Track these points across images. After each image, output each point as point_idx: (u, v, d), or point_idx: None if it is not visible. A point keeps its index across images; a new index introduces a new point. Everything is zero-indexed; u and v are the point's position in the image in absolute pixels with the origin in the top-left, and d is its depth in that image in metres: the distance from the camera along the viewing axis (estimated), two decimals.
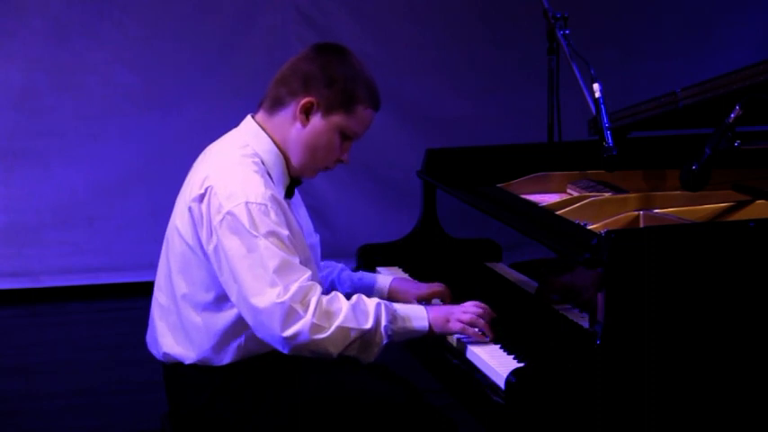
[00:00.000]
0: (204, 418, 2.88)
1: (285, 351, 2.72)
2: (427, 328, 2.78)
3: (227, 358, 2.84)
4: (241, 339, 2.83)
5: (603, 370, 2.48)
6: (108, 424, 4.49)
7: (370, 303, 2.75)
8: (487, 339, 2.76)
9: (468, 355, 2.74)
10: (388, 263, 3.48)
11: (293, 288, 2.68)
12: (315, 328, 2.68)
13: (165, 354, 2.91)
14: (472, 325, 2.78)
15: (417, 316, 2.79)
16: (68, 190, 6.20)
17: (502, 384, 2.49)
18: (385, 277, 3.21)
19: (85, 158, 6.18)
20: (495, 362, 2.64)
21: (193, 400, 2.89)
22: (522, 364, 2.56)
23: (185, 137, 6.00)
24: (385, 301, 2.78)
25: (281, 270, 2.69)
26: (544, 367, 2.49)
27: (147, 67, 6.18)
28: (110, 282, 6.27)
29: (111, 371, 5.05)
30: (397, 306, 2.80)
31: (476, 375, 2.67)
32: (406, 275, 3.34)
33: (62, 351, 5.39)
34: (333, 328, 2.69)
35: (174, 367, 2.92)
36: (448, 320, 2.79)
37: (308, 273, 2.73)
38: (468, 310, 2.80)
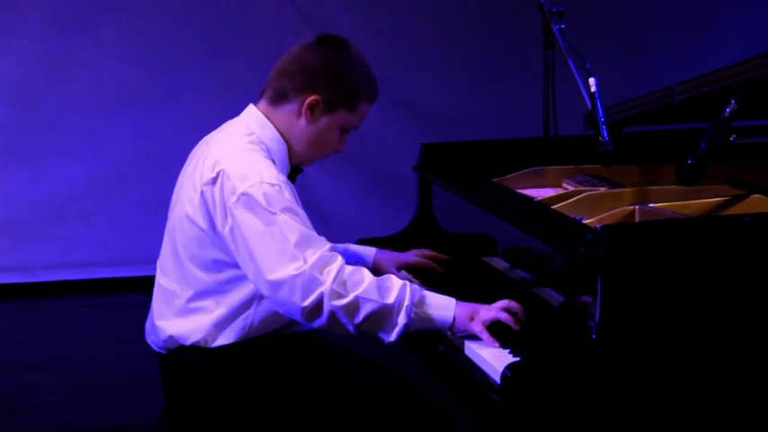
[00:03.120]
0: (201, 408, 2.88)
1: (306, 323, 2.72)
2: (450, 321, 2.74)
3: (229, 338, 2.86)
4: (246, 321, 2.85)
5: (599, 364, 2.48)
6: (106, 419, 4.49)
7: (397, 282, 2.73)
8: (497, 345, 2.69)
9: (464, 350, 2.74)
10: None
11: (313, 258, 2.68)
12: (333, 294, 2.67)
13: (168, 337, 2.91)
14: (495, 321, 2.72)
15: (444, 305, 2.74)
16: (65, 185, 6.20)
17: (498, 379, 2.49)
18: (370, 249, 3.26)
19: (82, 153, 6.18)
20: (491, 356, 2.63)
21: (192, 392, 2.89)
22: (517, 359, 2.56)
23: (182, 131, 6.00)
24: (414, 285, 2.76)
25: (302, 243, 2.70)
26: (540, 362, 2.49)
27: (143, 62, 6.18)
28: (106, 276, 6.27)
29: (109, 366, 5.05)
30: (427, 292, 2.77)
31: (471, 369, 2.66)
32: (389, 251, 3.35)
33: (59, 346, 5.38)
34: (351, 297, 2.68)
35: (172, 356, 2.93)
36: (472, 318, 2.73)
37: (329, 245, 2.74)
38: (493, 307, 2.74)
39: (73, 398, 4.71)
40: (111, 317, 5.81)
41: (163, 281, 2.97)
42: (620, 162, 3.29)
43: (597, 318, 2.49)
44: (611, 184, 3.33)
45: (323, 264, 2.69)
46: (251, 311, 2.85)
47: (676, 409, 2.54)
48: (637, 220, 3.01)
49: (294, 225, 2.71)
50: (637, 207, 3.04)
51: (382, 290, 2.71)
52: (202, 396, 2.88)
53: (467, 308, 2.76)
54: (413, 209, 3.62)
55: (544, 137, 4.22)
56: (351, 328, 2.71)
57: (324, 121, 2.88)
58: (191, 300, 2.88)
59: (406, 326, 2.71)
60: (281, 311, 2.75)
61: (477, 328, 2.72)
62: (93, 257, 6.27)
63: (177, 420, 2.96)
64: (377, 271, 3.19)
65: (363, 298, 2.69)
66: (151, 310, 3.01)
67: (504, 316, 2.72)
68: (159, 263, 3.01)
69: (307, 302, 2.67)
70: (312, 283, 2.67)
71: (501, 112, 6.39)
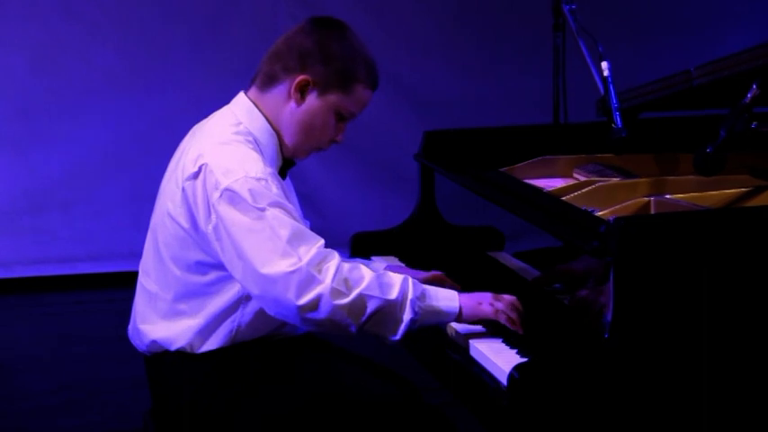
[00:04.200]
0: (189, 412, 2.88)
1: (301, 325, 2.70)
2: (457, 310, 2.74)
3: (216, 343, 2.85)
4: (233, 324, 2.84)
5: (612, 366, 2.48)
6: (90, 423, 4.49)
7: (397, 276, 2.72)
8: (518, 327, 2.72)
9: (469, 350, 2.74)
10: (383, 252, 3.48)
11: (309, 255, 2.66)
12: (334, 293, 2.64)
13: (151, 342, 2.91)
14: (504, 312, 2.74)
15: (447, 297, 2.76)
16: (44, 175, 6.20)
17: (504, 381, 2.49)
18: (379, 264, 3.21)
19: (63, 142, 6.18)
20: (497, 357, 2.63)
21: (179, 396, 2.89)
22: (525, 359, 2.56)
23: (168, 119, 6.01)
24: (414, 279, 2.75)
25: (294, 238, 2.67)
26: (549, 362, 2.49)
27: (129, 47, 6.18)
28: (88, 272, 6.27)
29: (91, 367, 5.05)
30: (427, 285, 2.77)
31: (476, 371, 2.67)
32: (402, 265, 3.34)
33: (38, 346, 5.38)
34: (353, 295, 2.65)
35: (158, 358, 2.93)
36: (480, 303, 2.75)
37: (322, 240, 2.72)
38: (502, 298, 2.77)
39: (53, 402, 4.70)
40: (93, 314, 5.81)
41: (145, 282, 2.96)
42: (634, 151, 3.29)
43: (610, 316, 2.49)
44: (625, 174, 3.33)
45: (320, 260, 2.67)
46: (237, 315, 2.84)
47: (695, 414, 2.54)
48: (652, 212, 3.01)
49: (285, 220, 2.69)
50: (652, 198, 3.04)
51: (384, 285, 2.70)
52: (190, 400, 2.87)
53: (471, 296, 2.78)
54: (414, 200, 3.62)
55: (554, 124, 4.23)
56: (353, 329, 2.69)
57: (315, 103, 2.86)
58: (172, 303, 2.88)
59: (412, 321, 2.70)
60: (272, 313, 2.73)
61: (490, 310, 2.73)
62: (73, 252, 6.26)
63: (164, 423, 2.96)
64: None
65: (367, 295, 2.67)
66: (133, 313, 3.01)
67: (513, 314, 2.73)
68: (141, 263, 3.00)
69: (303, 301, 2.65)
70: (310, 281, 2.65)
71: (508, 97, 6.39)
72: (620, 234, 2.50)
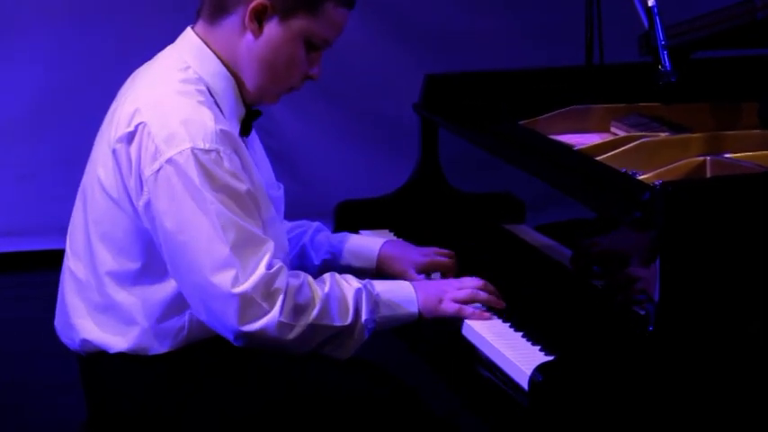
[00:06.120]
0: (132, 422, 2.89)
1: (238, 344, 2.76)
2: (416, 314, 2.86)
3: (165, 344, 2.86)
4: (184, 319, 2.85)
5: (658, 363, 2.49)
6: None
7: (348, 290, 2.80)
8: (492, 317, 2.82)
9: (480, 345, 2.76)
10: (374, 225, 3.50)
11: (255, 275, 2.70)
12: (281, 327, 2.73)
13: (83, 341, 2.91)
14: (471, 301, 2.85)
15: (405, 299, 2.87)
16: None
17: (525, 384, 2.51)
18: (374, 241, 3.23)
19: None
20: (516, 354, 2.65)
21: (120, 403, 2.90)
22: (550, 358, 2.58)
23: (109, 60, 5.98)
24: (366, 284, 2.83)
25: (239, 245, 2.70)
26: (580, 361, 2.50)
27: None
28: (8, 250, 6.26)
29: (17, 366, 5.05)
30: (380, 288, 2.85)
31: (488, 374, 2.68)
32: (399, 241, 3.35)
33: None
34: (302, 326, 2.76)
35: (94, 359, 2.93)
36: (441, 300, 2.85)
37: (271, 246, 2.74)
38: (465, 284, 2.87)
39: None
40: (16, 303, 5.81)
41: (73, 265, 2.95)
42: (685, 100, 3.30)
43: (656, 302, 2.50)
44: (674, 128, 3.34)
45: (267, 281, 2.71)
46: (187, 310, 2.84)
47: (757, 420, 2.55)
48: (708, 175, 3.02)
49: (229, 217, 2.70)
50: (707, 158, 3.05)
51: (334, 308, 2.79)
52: (136, 404, 2.88)
53: (430, 291, 2.88)
54: (413, 161, 3.63)
55: (586, 66, 4.23)
56: (297, 353, 2.79)
57: (277, 32, 2.83)
58: (105, 294, 2.87)
59: (365, 339, 2.83)
60: (203, 319, 2.78)
61: (452, 308, 2.83)
62: None
63: None
64: (383, 270, 3.17)
65: (318, 325, 2.78)
66: (60, 304, 3.00)
67: (483, 295, 2.83)
68: (68, 240, 2.99)
69: (245, 328, 2.72)
70: (256, 309, 2.71)
71: (530, 32, 6.38)
72: (668, 202, 2.51)
